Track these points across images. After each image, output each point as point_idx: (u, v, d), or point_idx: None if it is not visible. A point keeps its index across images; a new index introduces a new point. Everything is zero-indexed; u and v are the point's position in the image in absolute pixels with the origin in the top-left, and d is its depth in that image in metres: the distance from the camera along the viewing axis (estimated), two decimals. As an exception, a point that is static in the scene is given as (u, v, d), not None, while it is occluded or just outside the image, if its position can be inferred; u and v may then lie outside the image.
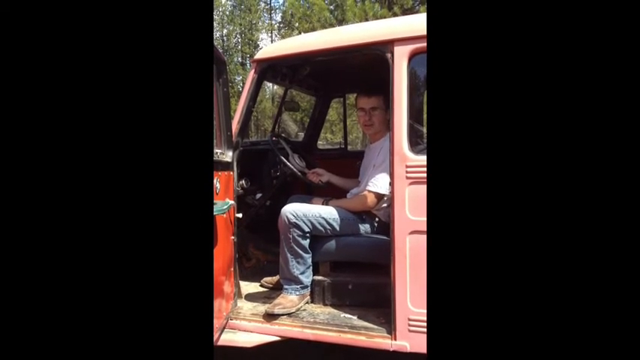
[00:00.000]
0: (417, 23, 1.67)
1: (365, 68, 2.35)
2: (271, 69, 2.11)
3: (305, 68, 2.35)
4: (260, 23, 20.72)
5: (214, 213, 1.48)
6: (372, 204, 1.99)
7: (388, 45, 1.69)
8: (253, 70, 1.98)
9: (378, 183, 1.95)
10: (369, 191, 1.98)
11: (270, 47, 2.07)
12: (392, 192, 1.67)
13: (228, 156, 1.86)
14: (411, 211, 1.62)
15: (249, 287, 2.24)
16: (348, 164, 2.59)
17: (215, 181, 1.59)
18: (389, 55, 1.68)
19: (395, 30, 1.71)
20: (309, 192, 2.37)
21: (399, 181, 1.65)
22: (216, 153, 1.75)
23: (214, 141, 1.76)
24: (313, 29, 9.58)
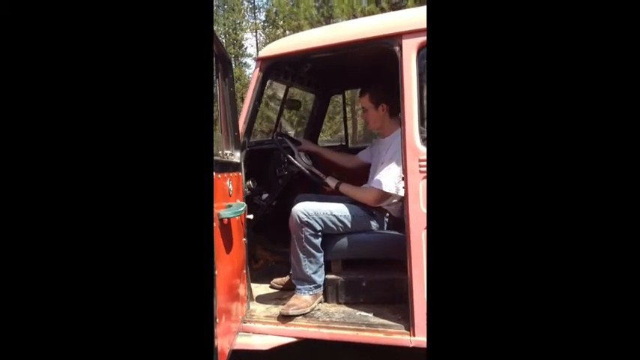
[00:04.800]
0: (424, 15, 1.65)
1: (364, 64, 2.33)
2: (276, 67, 2.07)
3: (306, 65, 2.32)
4: (244, 23, 20.58)
5: (231, 215, 1.44)
6: (374, 201, 1.97)
7: (396, 38, 1.67)
8: (258, 69, 1.95)
9: (383, 181, 1.93)
10: (373, 188, 1.97)
11: (275, 44, 2.03)
12: (405, 187, 1.65)
13: (236, 157, 1.82)
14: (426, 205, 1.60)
15: (259, 289, 2.21)
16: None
17: (228, 182, 1.56)
18: (397, 49, 1.66)
19: (403, 22, 1.70)
20: (315, 191, 2.34)
21: (413, 176, 1.63)
22: (226, 154, 1.72)
23: (222, 142, 1.73)
24: (299, 27, 9.52)
